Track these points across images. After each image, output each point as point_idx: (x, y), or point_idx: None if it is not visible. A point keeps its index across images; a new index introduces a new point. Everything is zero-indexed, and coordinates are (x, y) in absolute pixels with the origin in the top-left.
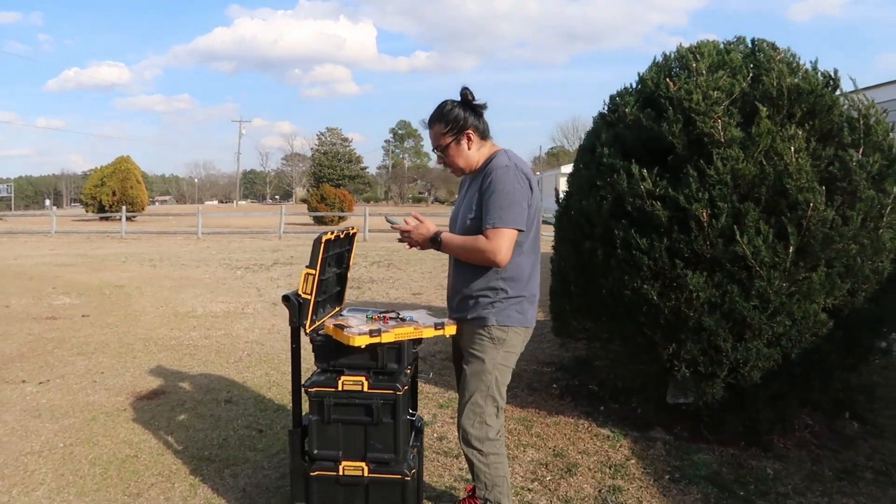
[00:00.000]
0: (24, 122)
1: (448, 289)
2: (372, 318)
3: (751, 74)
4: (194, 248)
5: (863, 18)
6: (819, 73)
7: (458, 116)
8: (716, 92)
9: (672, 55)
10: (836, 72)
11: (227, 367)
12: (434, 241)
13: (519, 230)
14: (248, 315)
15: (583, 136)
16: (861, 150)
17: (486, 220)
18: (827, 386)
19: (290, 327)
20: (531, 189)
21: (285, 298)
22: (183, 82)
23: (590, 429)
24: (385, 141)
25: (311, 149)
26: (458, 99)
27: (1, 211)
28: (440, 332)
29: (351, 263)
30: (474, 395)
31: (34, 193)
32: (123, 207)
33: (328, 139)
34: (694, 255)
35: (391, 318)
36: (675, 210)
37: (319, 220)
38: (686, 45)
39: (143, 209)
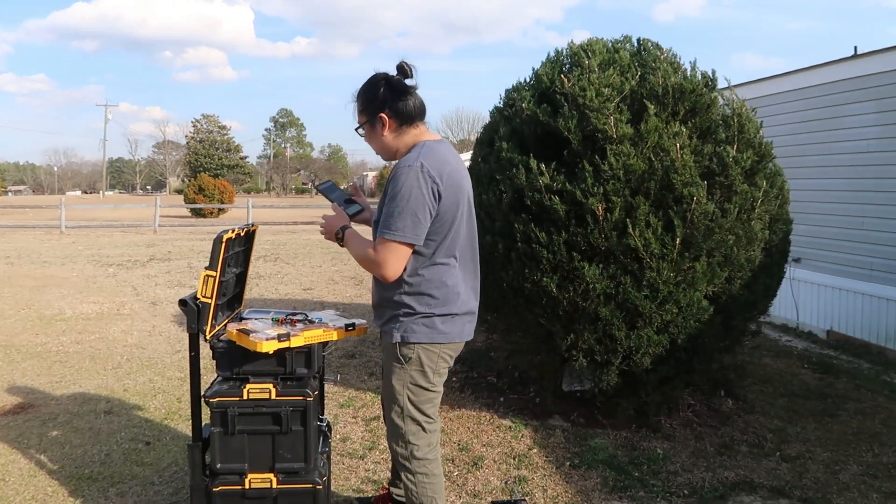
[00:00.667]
0: None
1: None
2: (278, 320)
3: (639, 73)
4: (57, 244)
5: (720, 19)
6: (699, 73)
7: (373, 96)
8: (607, 89)
9: (564, 52)
10: (713, 72)
11: (104, 375)
12: (337, 237)
13: (408, 244)
14: (125, 316)
15: (468, 128)
16: (735, 147)
17: (379, 227)
18: (707, 367)
19: (188, 333)
20: (439, 195)
21: (182, 303)
22: (38, 61)
23: (492, 420)
24: (266, 129)
25: (186, 136)
26: (393, 73)
27: None
28: (351, 334)
29: (251, 261)
30: (391, 415)
31: None
32: None
33: (204, 126)
34: (590, 248)
35: (298, 321)
36: (572, 204)
37: (198, 213)
38: (577, 42)
39: None
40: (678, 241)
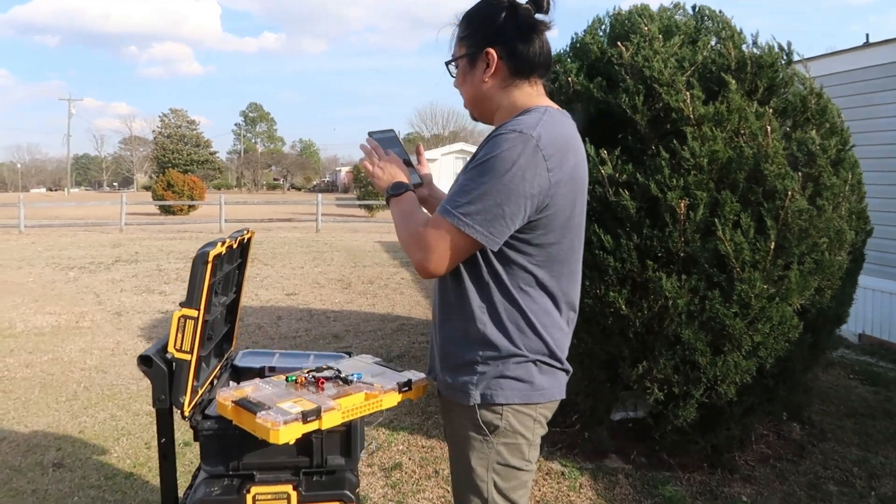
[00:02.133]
0: None
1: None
2: (295, 380)
3: (710, 41)
4: (15, 245)
5: None
6: (775, 44)
7: (486, 22)
8: (675, 59)
9: (606, 19)
10: (789, 45)
11: (56, 410)
12: (388, 193)
13: (474, 240)
14: (84, 330)
15: (442, 122)
16: (818, 132)
17: (445, 199)
18: (793, 393)
19: (154, 409)
20: (549, 189)
21: (145, 361)
22: None
23: (538, 463)
24: (235, 124)
25: (153, 132)
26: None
27: None
28: (408, 396)
29: (245, 279)
30: None
31: None
32: None
33: (172, 122)
34: (667, 255)
35: (327, 379)
36: (644, 200)
37: (167, 210)
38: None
39: None
40: (772, 245)
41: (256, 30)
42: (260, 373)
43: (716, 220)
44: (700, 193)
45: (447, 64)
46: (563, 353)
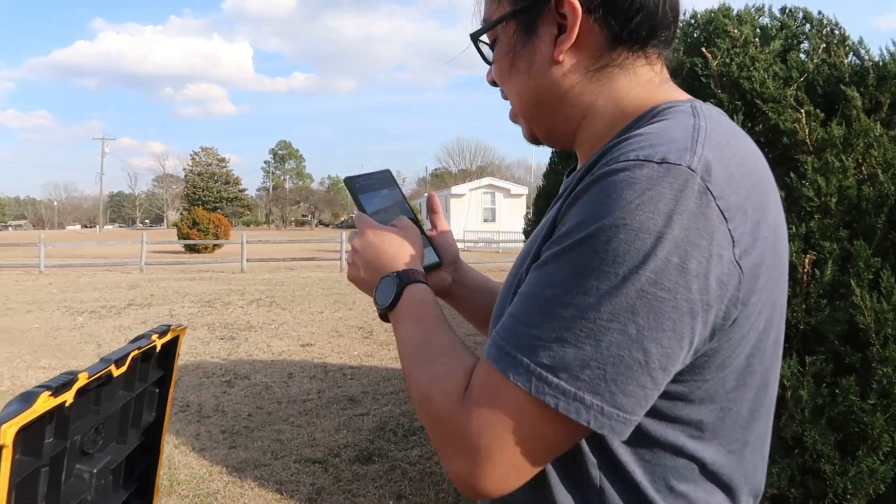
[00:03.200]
0: None
1: None
2: None
3: (821, 46)
4: (32, 286)
5: None
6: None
7: None
8: (779, 69)
9: (689, 19)
10: None
11: None
12: (380, 304)
13: (578, 424)
14: None
15: (469, 157)
16: None
17: (500, 329)
18: None
19: None
20: (737, 271)
21: None
22: (40, 97)
23: None
24: (265, 162)
25: (184, 169)
26: None
27: None
28: None
29: (170, 400)
30: None
31: None
32: None
33: (203, 159)
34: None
35: None
36: None
37: (191, 249)
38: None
39: None
40: None
41: (287, 70)
42: None
43: (850, 279)
44: (828, 244)
45: (475, 39)
46: None
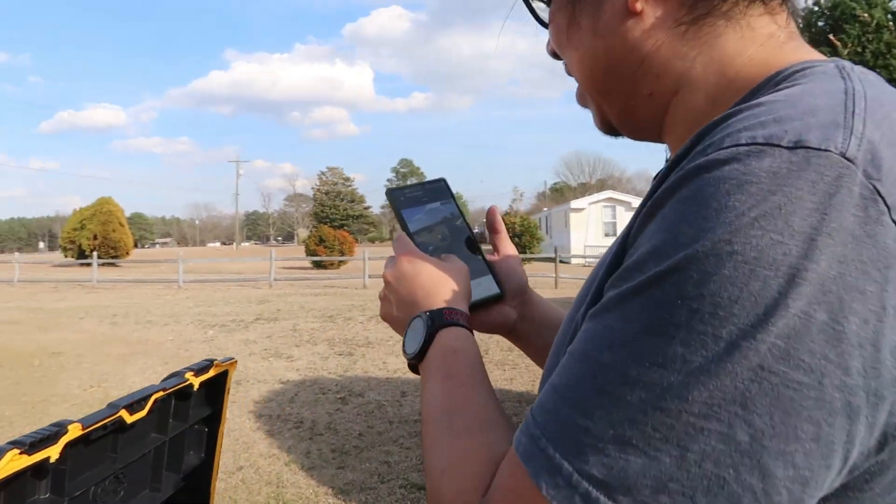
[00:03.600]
0: (15, 164)
1: None
2: None
3: None
4: (171, 300)
5: None
6: None
7: None
8: None
9: (813, 6)
10: None
11: None
12: (409, 354)
13: None
14: None
15: (588, 171)
16: None
17: (529, 412)
18: None
19: None
20: None
21: None
22: (182, 125)
23: None
24: (387, 180)
25: (313, 189)
26: None
27: None
28: None
29: (219, 446)
30: None
31: (27, 235)
32: (94, 254)
33: (329, 179)
34: None
35: None
36: None
37: (318, 265)
38: None
39: (127, 254)
40: None
41: (406, 90)
42: None
43: None
44: None
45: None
46: None
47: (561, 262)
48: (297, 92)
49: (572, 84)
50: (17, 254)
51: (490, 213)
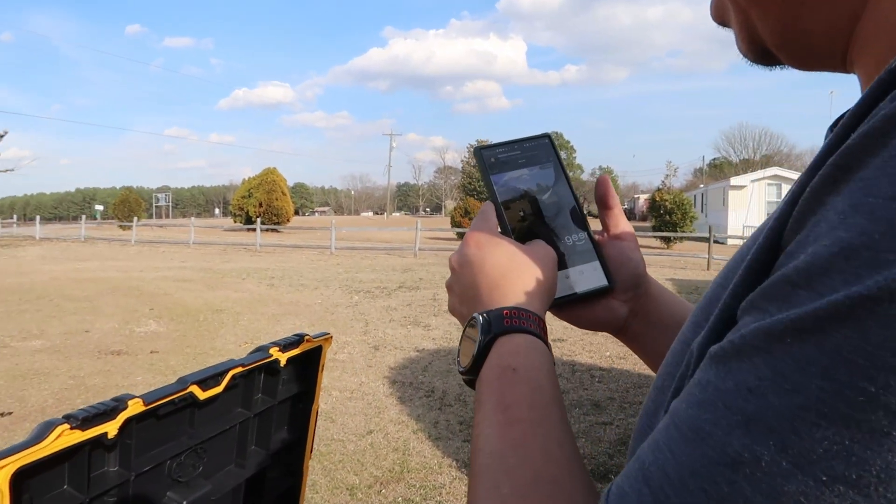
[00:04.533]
0: (198, 138)
1: None
2: None
3: None
4: (323, 265)
5: None
6: None
7: None
8: None
9: None
10: None
11: None
12: (461, 362)
13: None
14: (337, 364)
15: (752, 146)
16: None
17: (611, 489)
18: None
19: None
20: None
21: None
22: (342, 100)
23: None
24: None
25: (462, 161)
26: None
27: (161, 219)
28: None
29: (313, 424)
30: None
31: (205, 202)
32: (258, 220)
33: None
34: None
35: None
36: None
37: (462, 236)
38: None
39: (288, 221)
40: None
41: (559, 63)
42: None
43: None
44: None
45: None
46: None
47: (716, 241)
48: (450, 66)
49: (738, 55)
50: (193, 218)
51: (601, 184)
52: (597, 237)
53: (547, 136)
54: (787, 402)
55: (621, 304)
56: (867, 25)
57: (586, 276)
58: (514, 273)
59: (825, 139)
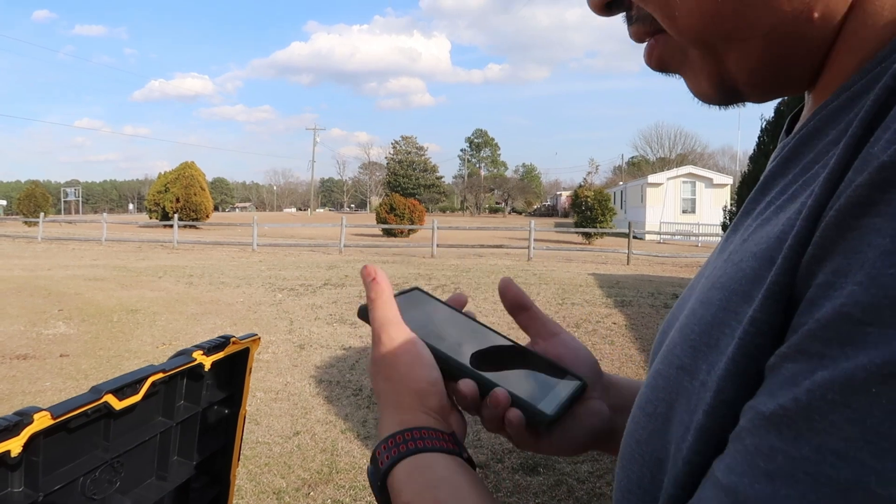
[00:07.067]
0: (111, 130)
1: None
2: None
3: None
4: (244, 262)
5: None
6: None
7: None
8: None
9: None
10: None
11: None
12: (376, 464)
13: None
14: (262, 364)
15: (668, 145)
16: None
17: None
18: None
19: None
20: None
21: None
22: (263, 94)
23: None
24: (461, 150)
25: (386, 157)
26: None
27: (70, 214)
28: None
29: (240, 429)
30: None
31: (118, 197)
32: (175, 216)
33: (403, 148)
34: None
35: None
36: None
37: (388, 233)
38: None
39: (207, 217)
40: None
41: (482, 62)
42: None
43: None
44: None
45: None
46: None
47: (635, 237)
48: (374, 62)
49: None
50: (105, 214)
51: (508, 287)
52: (528, 345)
53: (416, 288)
54: (891, 464)
55: (600, 403)
56: (842, 48)
57: (556, 391)
58: (388, 388)
59: (784, 136)
